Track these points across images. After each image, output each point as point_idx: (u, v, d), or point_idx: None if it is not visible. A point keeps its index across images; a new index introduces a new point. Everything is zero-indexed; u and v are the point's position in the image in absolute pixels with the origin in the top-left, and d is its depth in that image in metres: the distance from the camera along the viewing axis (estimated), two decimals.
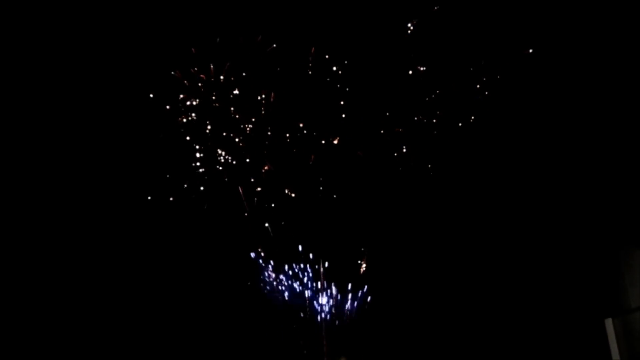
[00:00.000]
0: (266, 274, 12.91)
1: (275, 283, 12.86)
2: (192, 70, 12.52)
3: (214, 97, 12.61)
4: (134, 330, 12.29)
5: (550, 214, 12.72)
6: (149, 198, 12.49)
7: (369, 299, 13.00)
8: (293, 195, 12.78)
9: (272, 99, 12.59)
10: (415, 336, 12.98)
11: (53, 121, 12.77)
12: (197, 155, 12.73)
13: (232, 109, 12.65)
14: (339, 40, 12.55)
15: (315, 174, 12.85)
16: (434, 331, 12.94)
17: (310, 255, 12.79)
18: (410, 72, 12.49)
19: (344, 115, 12.72)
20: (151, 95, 12.46)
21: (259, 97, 12.67)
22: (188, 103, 12.53)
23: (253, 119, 12.71)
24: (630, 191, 11.54)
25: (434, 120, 12.71)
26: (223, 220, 12.87)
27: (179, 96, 12.55)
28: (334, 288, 12.98)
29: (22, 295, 11.96)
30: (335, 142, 12.71)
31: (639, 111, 11.26)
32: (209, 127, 12.68)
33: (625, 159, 11.63)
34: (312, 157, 12.74)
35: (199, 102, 12.60)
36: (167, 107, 12.55)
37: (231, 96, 12.63)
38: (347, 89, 12.66)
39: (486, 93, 12.41)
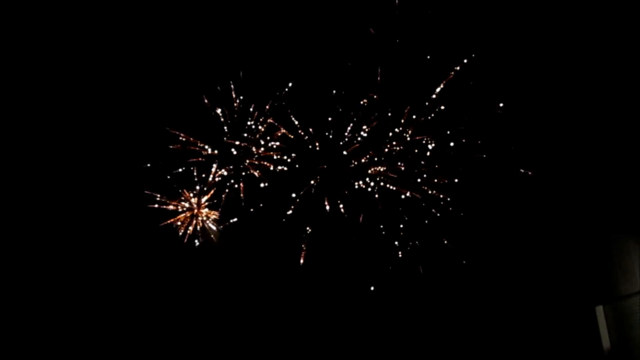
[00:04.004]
0: None
1: None
2: None
3: None
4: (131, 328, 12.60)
5: (541, 201, 12.55)
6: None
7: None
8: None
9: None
10: (404, 325, 13.08)
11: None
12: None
13: None
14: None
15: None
16: (422, 319, 13.02)
17: None
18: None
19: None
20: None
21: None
22: None
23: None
24: (621, 178, 11.29)
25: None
26: None
27: None
28: None
29: (21, 295, 12.31)
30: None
31: (629, 100, 10.95)
32: None
33: (617, 147, 11.36)
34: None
35: None
36: None
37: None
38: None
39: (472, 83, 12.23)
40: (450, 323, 12.87)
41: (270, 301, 12.95)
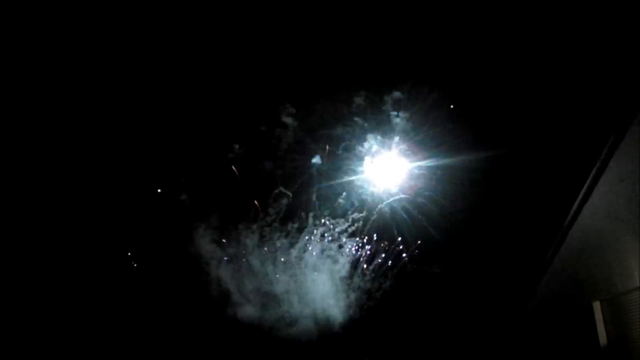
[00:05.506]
0: None
1: None
2: None
3: None
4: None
5: (540, 197, 12.51)
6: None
7: None
8: None
9: None
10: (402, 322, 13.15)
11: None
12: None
13: None
14: None
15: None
16: (421, 316, 13.07)
17: None
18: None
19: None
20: None
21: None
22: None
23: None
24: (619, 172, 11.14)
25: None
26: None
27: None
28: None
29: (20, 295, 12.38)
30: None
31: (628, 98, 10.79)
32: None
33: (615, 142, 11.19)
34: None
35: None
36: None
37: None
38: None
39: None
40: (447, 320, 12.93)
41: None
